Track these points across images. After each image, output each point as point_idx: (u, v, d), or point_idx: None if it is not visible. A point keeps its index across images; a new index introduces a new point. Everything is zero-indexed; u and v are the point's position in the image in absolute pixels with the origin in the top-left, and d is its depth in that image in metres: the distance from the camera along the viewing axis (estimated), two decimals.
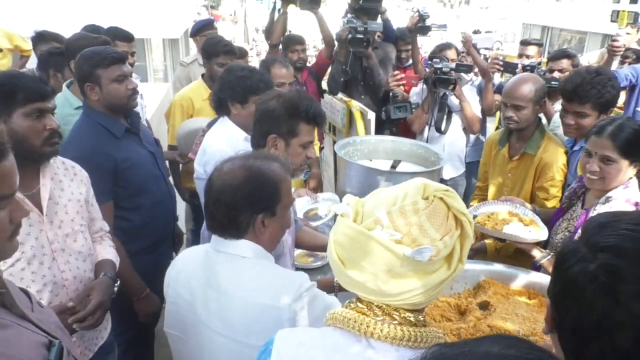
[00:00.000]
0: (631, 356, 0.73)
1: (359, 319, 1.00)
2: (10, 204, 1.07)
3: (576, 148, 2.56)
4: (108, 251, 2.01)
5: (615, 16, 3.59)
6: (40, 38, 3.85)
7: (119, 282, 1.91)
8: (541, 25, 13.36)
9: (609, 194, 2.08)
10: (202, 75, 3.65)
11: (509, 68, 3.66)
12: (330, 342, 1.02)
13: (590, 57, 5.93)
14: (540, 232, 2.22)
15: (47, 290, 1.73)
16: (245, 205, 1.42)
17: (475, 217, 2.34)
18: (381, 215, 0.99)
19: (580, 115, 2.43)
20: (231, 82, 2.42)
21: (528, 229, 2.23)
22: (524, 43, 4.56)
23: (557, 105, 3.15)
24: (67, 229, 1.81)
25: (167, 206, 2.52)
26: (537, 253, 2.19)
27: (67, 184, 1.85)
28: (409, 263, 0.96)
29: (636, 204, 2.04)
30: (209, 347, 1.44)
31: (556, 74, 3.42)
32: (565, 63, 3.56)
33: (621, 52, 3.41)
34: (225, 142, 2.36)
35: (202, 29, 4.45)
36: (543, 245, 2.31)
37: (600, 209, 2.08)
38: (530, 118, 2.59)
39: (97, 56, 2.23)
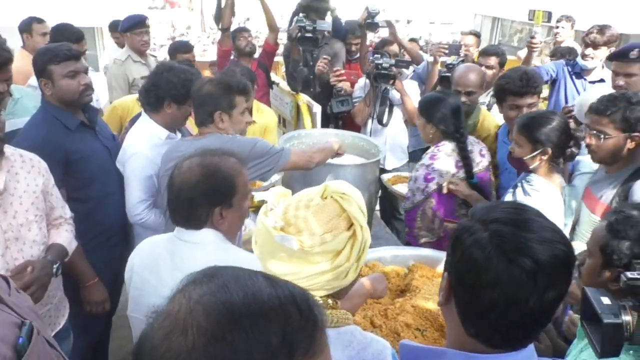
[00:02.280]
0: (519, 306, 0.90)
1: None
2: None
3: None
4: (61, 235, 2.09)
5: (532, 15, 3.88)
6: None
7: (59, 263, 1.97)
8: (492, 16, 13.74)
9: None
10: None
11: (453, 50, 3.86)
12: None
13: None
14: None
15: None
16: (203, 199, 1.57)
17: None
18: (274, 205, 1.15)
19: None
20: (174, 83, 2.48)
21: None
22: (464, 33, 4.86)
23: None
24: (22, 219, 1.89)
25: (118, 200, 2.55)
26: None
27: (23, 176, 1.92)
28: (283, 248, 1.10)
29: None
30: None
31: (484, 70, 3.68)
32: (493, 60, 3.84)
33: (539, 48, 3.70)
34: (144, 143, 2.45)
35: (134, 27, 4.16)
36: None
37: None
38: (476, 101, 3.09)
39: (50, 52, 2.32)
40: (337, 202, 1.12)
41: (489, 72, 3.77)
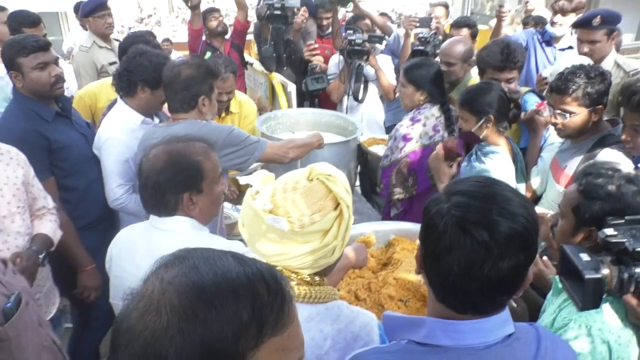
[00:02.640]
0: (473, 271, 0.95)
1: None
2: None
3: None
4: (45, 226, 2.11)
5: None
6: None
7: (44, 253, 2.01)
8: None
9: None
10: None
11: (424, 23, 3.90)
12: None
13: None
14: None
15: None
16: (169, 185, 1.58)
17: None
18: (260, 188, 1.17)
19: None
20: (146, 67, 2.47)
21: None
22: (432, 5, 4.87)
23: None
24: (4, 211, 1.91)
25: (102, 186, 2.57)
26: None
27: (2, 169, 1.93)
28: (274, 230, 1.13)
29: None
30: None
31: None
32: (464, 32, 3.88)
33: (506, 17, 3.74)
34: (119, 129, 2.46)
35: (95, 11, 3.99)
36: None
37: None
38: (459, 72, 3.10)
39: (18, 44, 2.29)
40: (324, 183, 1.16)
41: None
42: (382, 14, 5.28)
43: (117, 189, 2.43)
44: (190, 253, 0.73)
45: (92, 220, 2.57)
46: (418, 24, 3.86)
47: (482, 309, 1.00)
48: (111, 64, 3.89)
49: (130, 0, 15.71)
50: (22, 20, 3.52)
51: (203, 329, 0.63)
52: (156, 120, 2.65)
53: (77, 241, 2.35)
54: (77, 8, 5.42)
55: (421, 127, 2.81)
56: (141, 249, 1.61)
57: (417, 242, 2.19)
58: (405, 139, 2.81)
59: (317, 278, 1.22)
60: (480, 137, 2.38)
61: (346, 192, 1.18)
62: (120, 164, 2.43)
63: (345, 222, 1.18)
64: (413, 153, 2.82)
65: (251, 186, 1.20)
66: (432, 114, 2.81)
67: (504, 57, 2.69)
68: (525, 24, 4.55)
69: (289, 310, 0.70)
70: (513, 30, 5.12)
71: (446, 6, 4.95)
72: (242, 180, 1.22)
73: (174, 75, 2.23)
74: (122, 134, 2.43)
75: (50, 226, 2.12)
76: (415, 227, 2.39)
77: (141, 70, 2.47)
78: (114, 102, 2.68)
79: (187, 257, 0.71)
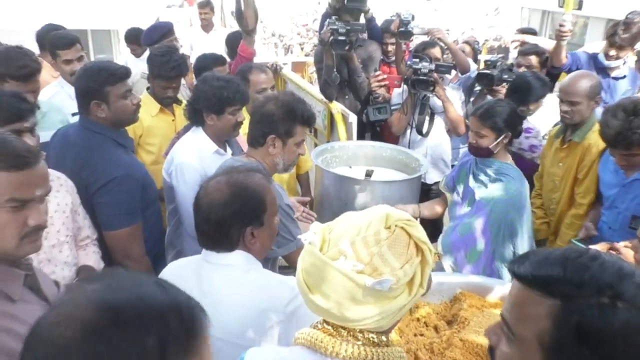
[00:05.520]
0: None
1: (325, 339, 1.16)
2: (30, 207, 1.35)
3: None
4: (90, 257, 2.15)
5: (562, 2, 3.85)
6: None
7: None
8: (541, 9, 13.52)
9: None
10: (148, 89, 3.41)
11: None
12: None
13: (594, 47, 6.11)
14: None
15: None
16: (234, 220, 1.61)
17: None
18: (345, 246, 1.12)
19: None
20: (207, 93, 2.54)
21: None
22: (521, 31, 4.95)
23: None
24: (53, 240, 1.96)
25: (160, 213, 2.67)
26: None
27: (53, 195, 1.95)
28: (371, 292, 1.10)
29: None
30: None
31: (523, 69, 3.79)
32: (533, 60, 3.87)
33: (568, 37, 3.72)
34: (194, 155, 2.55)
35: (163, 38, 4.02)
36: None
37: None
38: (585, 113, 2.92)
39: (105, 72, 2.33)
40: (404, 230, 1.15)
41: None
42: (466, 43, 5.25)
43: None
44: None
45: (158, 252, 2.63)
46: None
47: None
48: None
49: (183, 16, 16.33)
50: (56, 42, 3.52)
51: (106, 348, 0.68)
52: (229, 151, 2.73)
53: None
54: (131, 37, 5.51)
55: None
56: (191, 285, 1.61)
57: (487, 298, 2.21)
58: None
59: (384, 338, 1.19)
60: (495, 152, 2.63)
61: (425, 236, 1.18)
62: (193, 190, 2.44)
63: (429, 268, 1.17)
64: None
65: (310, 242, 1.16)
66: None
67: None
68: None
69: (197, 345, 0.76)
70: None
71: (534, 33, 4.94)
72: (303, 237, 1.18)
73: (258, 106, 2.31)
74: (196, 161, 2.52)
75: (94, 258, 2.16)
76: (485, 281, 2.30)
77: (202, 97, 2.56)
78: (190, 125, 2.76)
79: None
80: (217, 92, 2.53)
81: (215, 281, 1.60)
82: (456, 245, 2.74)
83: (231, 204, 1.61)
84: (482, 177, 2.70)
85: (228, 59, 4.14)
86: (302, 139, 2.33)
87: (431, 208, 3.10)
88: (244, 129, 2.53)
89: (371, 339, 1.17)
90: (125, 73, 2.38)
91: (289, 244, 2.26)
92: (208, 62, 3.65)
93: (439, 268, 2.73)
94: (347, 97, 4.14)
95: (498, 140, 2.59)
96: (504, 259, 2.69)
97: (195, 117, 2.62)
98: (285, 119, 2.24)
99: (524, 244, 2.70)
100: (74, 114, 2.94)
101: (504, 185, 2.62)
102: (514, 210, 2.64)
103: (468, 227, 2.71)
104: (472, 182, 2.76)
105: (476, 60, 5.20)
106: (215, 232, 1.63)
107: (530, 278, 0.92)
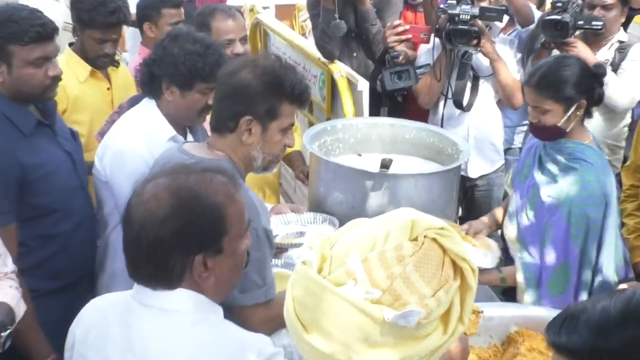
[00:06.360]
0: None
1: None
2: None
3: None
4: (5, 292, 2.05)
5: None
6: None
7: (11, 328, 1.91)
8: None
9: None
10: (71, 45, 3.15)
11: None
12: None
13: None
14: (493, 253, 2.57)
15: None
16: (175, 243, 1.39)
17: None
18: (354, 265, 1.00)
19: None
20: (175, 57, 2.24)
21: (483, 253, 2.53)
22: None
23: (601, 54, 3.36)
24: None
25: (88, 230, 2.45)
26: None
27: None
28: (392, 329, 0.99)
29: None
30: None
31: (598, 12, 3.42)
32: None
33: None
34: (142, 140, 2.29)
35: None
36: None
37: None
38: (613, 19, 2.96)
39: (14, 26, 2.16)
40: (436, 241, 1.01)
41: (608, 14, 3.41)
42: None
43: None
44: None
45: (70, 282, 2.43)
46: None
47: None
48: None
49: None
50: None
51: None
52: (190, 138, 2.47)
53: (33, 324, 2.16)
54: None
55: None
56: (115, 335, 1.45)
57: None
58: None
59: None
60: (567, 131, 2.37)
61: (466, 250, 1.06)
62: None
63: (471, 295, 1.04)
64: None
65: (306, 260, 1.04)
66: None
67: None
68: None
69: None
70: None
71: None
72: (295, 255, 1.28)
73: (226, 74, 2.04)
74: (145, 150, 2.28)
75: (11, 294, 2.04)
76: (549, 313, 1.96)
77: (167, 62, 2.25)
78: (138, 97, 2.53)
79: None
80: (189, 59, 2.22)
81: (149, 334, 1.39)
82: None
83: (172, 219, 1.36)
84: (551, 166, 2.40)
85: None
86: (291, 122, 2.04)
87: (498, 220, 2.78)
88: None
89: None
90: (47, 33, 2.18)
91: (256, 290, 1.91)
92: (154, 1, 3.43)
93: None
94: (354, 55, 3.72)
95: (569, 113, 2.29)
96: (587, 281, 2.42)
97: (151, 85, 2.32)
98: (266, 94, 1.95)
99: (609, 263, 2.37)
100: None
101: (579, 176, 2.31)
102: (596, 210, 2.33)
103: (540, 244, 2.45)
104: (538, 175, 2.45)
105: (541, 6, 4.82)
106: (147, 261, 1.39)
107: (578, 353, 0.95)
